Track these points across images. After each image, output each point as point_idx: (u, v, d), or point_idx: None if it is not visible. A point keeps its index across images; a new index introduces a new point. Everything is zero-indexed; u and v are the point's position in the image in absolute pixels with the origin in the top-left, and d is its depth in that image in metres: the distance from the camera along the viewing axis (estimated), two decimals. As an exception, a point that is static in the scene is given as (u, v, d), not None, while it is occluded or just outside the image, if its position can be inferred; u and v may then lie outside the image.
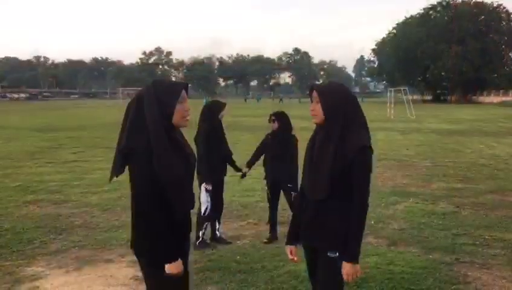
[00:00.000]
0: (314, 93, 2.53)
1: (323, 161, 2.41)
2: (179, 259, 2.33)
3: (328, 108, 2.45)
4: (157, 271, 2.33)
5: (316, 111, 2.50)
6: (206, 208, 5.17)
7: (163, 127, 2.25)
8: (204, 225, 5.26)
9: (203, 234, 5.26)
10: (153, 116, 2.24)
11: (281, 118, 5.38)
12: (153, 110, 2.25)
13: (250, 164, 5.66)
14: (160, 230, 2.27)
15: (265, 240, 5.42)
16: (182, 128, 2.46)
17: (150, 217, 2.26)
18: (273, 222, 5.57)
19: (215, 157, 5.21)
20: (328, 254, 2.47)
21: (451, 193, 7.89)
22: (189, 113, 2.38)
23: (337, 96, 2.47)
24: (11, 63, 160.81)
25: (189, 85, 2.49)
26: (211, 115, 5.27)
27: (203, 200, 5.13)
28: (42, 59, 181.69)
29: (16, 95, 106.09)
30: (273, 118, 5.38)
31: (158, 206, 2.25)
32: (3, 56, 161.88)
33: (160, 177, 2.22)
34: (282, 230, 5.67)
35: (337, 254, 2.44)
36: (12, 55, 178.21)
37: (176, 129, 2.39)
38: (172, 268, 2.30)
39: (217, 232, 5.43)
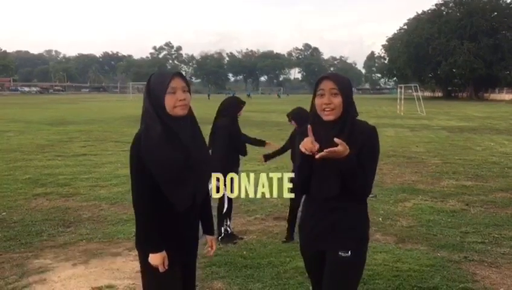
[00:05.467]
0: (330, 85, 2.28)
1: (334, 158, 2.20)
2: (161, 252, 2.31)
3: (348, 100, 2.29)
4: (144, 260, 2.38)
5: (334, 105, 2.26)
6: (226, 206, 5.23)
7: (154, 119, 2.28)
8: (225, 221, 5.28)
9: (225, 229, 5.28)
10: (145, 109, 2.33)
11: (297, 116, 5.25)
12: (145, 103, 2.33)
13: (267, 157, 5.55)
14: (145, 220, 2.31)
15: (284, 240, 5.28)
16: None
17: (138, 208, 2.33)
18: (292, 221, 5.25)
19: (234, 153, 5.20)
20: (340, 253, 2.34)
21: (461, 191, 7.82)
22: (184, 102, 2.30)
23: (351, 88, 2.38)
24: (23, 57, 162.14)
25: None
26: (233, 110, 5.27)
27: (224, 197, 5.16)
28: (53, 53, 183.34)
29: (27, 89, 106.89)
30: (290, 117, 5.26)
31: (146, 198, 2.29)
32: (15, 50, 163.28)
33: (150, 169, 2.25)
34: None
35: (350, 253, 2.33)
36: (24, 49, 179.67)
37: (179, 120, 2.31)
38: (152, 259, 2.32)
39: (228, 228, 5.41)
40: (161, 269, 2.31)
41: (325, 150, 2.14)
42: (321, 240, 2.42)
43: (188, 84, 2.36)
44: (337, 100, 2.25)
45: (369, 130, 2.34)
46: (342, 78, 2.36)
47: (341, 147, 2.12)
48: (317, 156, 2.18)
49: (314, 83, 2.39)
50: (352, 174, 2.23)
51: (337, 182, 2.26)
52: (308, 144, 2.21)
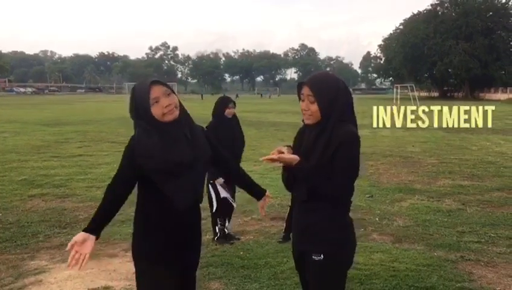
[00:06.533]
0: (307, 91, 2.26)
1: (309, 160, 2.24)
2: (84, 233, 2.34)
3: (326, 107, 2.23)
4: (138, 266, 2.44)
5: (311, 111, 2.26)
6: (215, 206, 5.21)
7: (145, 128, 2.28)
8: (218, 221, 5.27)
9: (220, 229, 5.27)
10: (134, 119, 2.35)
11: None
12: (133, 113, 2.35)
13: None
14: (101, 204, 2.38)
15: (280, 240, 5.26)
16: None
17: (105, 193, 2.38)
18: (290, 221, 5.23)
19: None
20: (313, 257, 2.31)
21: (457, 190, 7.84)
22: (170, 107, 2.28)
23: (333, 92, 2.26)
24: (18, 58, 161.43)
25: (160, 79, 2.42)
26: (218, 110, 5.30)
27: (212, 197, 5.15)
28: (49, 53, 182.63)
29: (22, 89, 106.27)
30: None
31: (116, 189, 2.34)
32: (10, 50, 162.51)
33: (147, 172, 2.26)
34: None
35: (322, 257, 2.29)
36: (19, 49, 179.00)
37: (172, 124, 2.30)
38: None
39: (226, 229, 5.39)
40: (69, 246, 2.30)
41: (271, 154, 2.21)
42: (299, 241, 2.44)
43: (168, 86, 2.34)
44: (314, 107, 2.25)
45: (348, 136, 2.24)
46: (321, 82, 2.29)
47: (285, 156, 2.18)
48: (261, 159, 2.27)
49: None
50: (310, 183, 2.25)
51: (303, 188, 2.27)
52: (278, 149, 2.31)
